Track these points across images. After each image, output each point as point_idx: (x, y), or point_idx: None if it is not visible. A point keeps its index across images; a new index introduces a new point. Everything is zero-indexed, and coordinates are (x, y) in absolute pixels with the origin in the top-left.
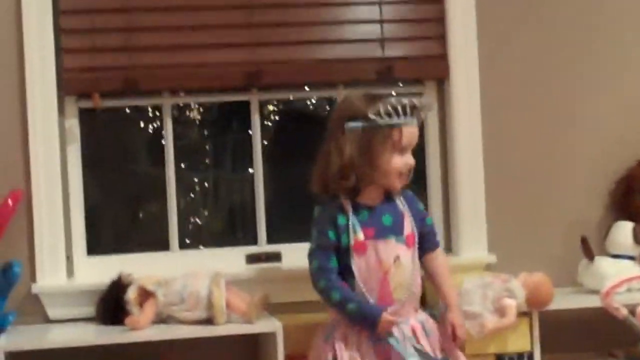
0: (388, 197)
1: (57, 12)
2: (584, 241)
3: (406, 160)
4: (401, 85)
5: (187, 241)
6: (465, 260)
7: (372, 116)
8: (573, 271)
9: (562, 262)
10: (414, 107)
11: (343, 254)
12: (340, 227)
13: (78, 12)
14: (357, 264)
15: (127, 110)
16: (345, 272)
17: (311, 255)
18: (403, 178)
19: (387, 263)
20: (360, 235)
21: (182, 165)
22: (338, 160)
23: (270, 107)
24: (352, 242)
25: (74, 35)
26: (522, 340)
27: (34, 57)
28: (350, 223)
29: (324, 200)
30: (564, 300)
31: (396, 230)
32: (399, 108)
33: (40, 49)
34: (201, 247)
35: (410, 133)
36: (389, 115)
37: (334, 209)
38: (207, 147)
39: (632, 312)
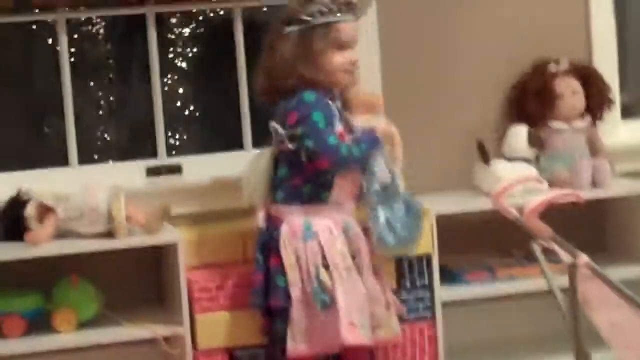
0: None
1: None
2: (480, 145)
3: (349, 57)
4: None
5: (89, 156)
6: None
7: (306, 17)
8: (470, 174)
9: (459, 166)
10: (349, 3)
11: None
12: (332, 114)
13: None
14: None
15: (34, 27)
16: None
17: (323, 137)
18: (348, 75)
19: None
20: (340, 126)
21: (82, 80)
22: (281, 63)
23: (173, 20)
24: (337, 131)
25: None
26: (422, 243)
27: None
28: (336, 112)
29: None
30: (461, 203)
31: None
32: (333, 5)
33: None
34: (101, 161)
35: (348, 28)
36: (322, 13)
37: (327, 95)
38: (109, 61)
39: (521, 212)
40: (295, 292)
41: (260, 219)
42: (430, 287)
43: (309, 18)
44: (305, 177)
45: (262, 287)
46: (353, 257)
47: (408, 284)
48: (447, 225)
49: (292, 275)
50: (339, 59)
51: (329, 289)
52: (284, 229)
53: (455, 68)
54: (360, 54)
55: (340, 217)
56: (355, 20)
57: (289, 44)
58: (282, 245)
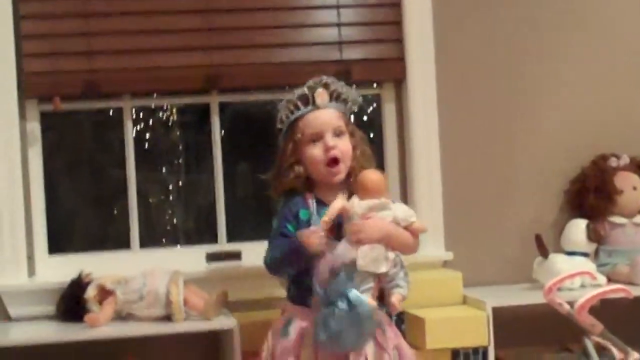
0: (352, 194)
1: (17, 18)
2: (538, 238)
3: (324, 145)
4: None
5: (153, 241)
6: (423, 258)
7: (278, 125)
8: (529, 269)
9: (518, 260)
10: (306, 96)
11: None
12: (302, 222)
13: (38, 17)
14: (318, 262)
15: (104, 115)
16: (306, 269)
17: (269, 244)
18: (333, 166)
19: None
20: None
21: (145, 166)
22: (275, 164)
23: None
24: None
25: (34, 39)
26: (477, 335)
27: None
28: (311, 219)
29: (289, 195)
30: (519, 296)
31: None
32: (294, 102)
33: (1, 53)
34: (162, 246)
35: (315, 119)
36: (287, 115)
37: (296, 203)
38: (171, 148)
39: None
40: None
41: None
42: None
43: (280, 125)
44: (291, 279)
45: None
46: None
47: None
48: (504, 319)
49: None
50: (313, 151)
51: None
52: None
53: (515, 161)
54: (421, 146)
55: None
56: (325, 107)
57: (282, 144)
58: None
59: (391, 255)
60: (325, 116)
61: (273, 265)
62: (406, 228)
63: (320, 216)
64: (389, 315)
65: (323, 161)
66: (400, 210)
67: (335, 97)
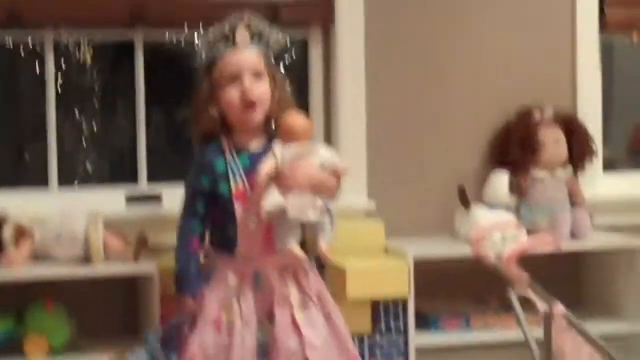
0: (272, 140)
1: None
2: (462, 190)
3: (241, 88)
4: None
5: (70, 181)
6: (345, 206)
7: (196, 62)
8: (451, 219)
9: (440, 211)
10: (234, 34)
11: (223, 201)
12: (219, 174)
13: None
14: (240, 212)
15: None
16: (227, 219)
17: (183, 197)
18: (250, 109)
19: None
20: (240, 183)
21: (64, 104)
22: (193, 104)
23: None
24: (233, 190)
25: None
26: (398, 287)
27: None
28: (228, 169)
29: (206, 143)
30: (440, 248)
31: None
32: (214, 40)
33: None
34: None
35: (234, 59)
36: (207, 50)
37: (212, 152)
38: (92, 86)
39: (500, 259)
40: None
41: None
42: (405, 332)
43: (199, 60)
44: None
45: None
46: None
47: (383, 328)
48: (425, 270)
49: None
50: (231, 93)
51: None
52: None
53: (440, 111)
54: (346, 92)
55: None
56: (247, 48)
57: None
58: None
59: (319, 202)
60: (245, 57)
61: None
62: (331, 173)
63: (239, 163)
64: (317, 263)
65: (240, 104)
66: (326, 155)
67: (257, 37)
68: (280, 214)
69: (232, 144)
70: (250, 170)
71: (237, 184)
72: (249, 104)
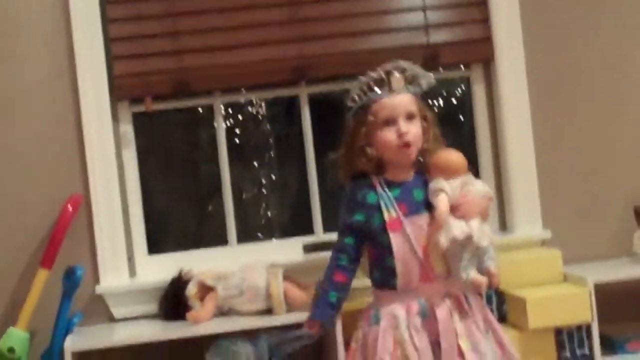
0: (420, 172)
1: (106, 21)
2: (637, 211)
3: (397, 131)
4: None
5: (250, 235)
6: (520, 237)
7: (349, 104)
8: (629, 242)
9: (617, 234)
10: (382, 80)
11: (378, 234)
12: (371, 206)
13: (126, 20)
14: (395, 242)
15: (195, 113)
16: (384, 252)
17: (338, 235)
18: (406, 149)
19: (423, 238)
20: (393, 212)
21: (237, 162)
22: (344, 145)
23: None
24: (386, 219)
25: (123, 42)
26: (580, 312)
27: (86, 66)
28: (380, 201)
29: (355, 181)
30: (620, 271)
31: (428, 204)
32: (369, 84)
33: (91, 57)
34: (258, 240)
35: (391, 103)
36: (360, 96)
37: (363, 187)
38: (263, 142)
39: None
40: None
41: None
42: (591, 358)
43: (350, 104)
44: (371, 264)
45: None
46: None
47: (568, 354)
48: (606, 294)
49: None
50: (386, 135)
51: None
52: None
53: (609, 134)
54: (511, 127)
55: (414, 301)
56: (400, 92)
57: (350, 126)
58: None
59: (488, 228)
60: (400, 101)
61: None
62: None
63: (391, 195)
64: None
65: (396, 145)
66: (479, 184)
67: (409, 81)
68: (464, 242)
69: (382, 179)
70: (402, 198)
71: (390, 214)
72: (404, 144)
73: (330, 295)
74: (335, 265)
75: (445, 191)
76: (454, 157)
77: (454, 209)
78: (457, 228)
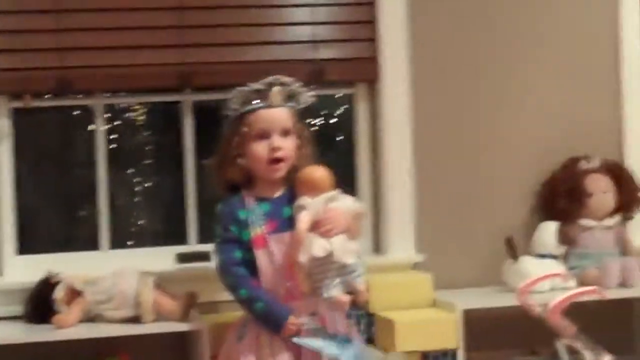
0: (291, 189)
1: None
2: (509, 241)
3: (270, 145)
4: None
5: (122, 242)
6: (393, 259)
7: (227, 112)
8: (499, 271)
9: (488, 261)
10: (264, 91)
11: (247, 249)
12: (241, 222)
13: (7, 13)
14: (260, 259)
15: (75, 113)
16: (251, 268)
17: (216, 251)
18: (275, 164)
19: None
20: (259, 230)
21: (114, 166)
22: (218, 153)
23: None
24: (252, 236)
25: (3, 35)
26: (447, 338)
27: None
28: (249, 217)
29: (227, 196)
30: (490, 299)
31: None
32: (248, 95)
33: None
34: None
35: (267, 116)
36: (240, 104)
37: (234, 203)
38: (141, 147)
39: (546, 309)
40: None
41: None
42: None
43: (228, 112)
44: None
45: None
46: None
47: None
48: (474, 321)
49: None
50: (259, 148)
51: None
52: None
53: (486, 163)
54: (391, 148)
55: None
56: (278, 106)
57: (225, 135)
58: None
59: (354, 245)
60: (277, 115)
61: (233, 294)
62: (354, 217)
63: (261, 211)
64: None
65: (266, 160)
66: (348, 200)
67: (289, 96)
68: (324, 259)
69: (252, 194)
70: (272, 215)
71: (256, 231)
72: (275, 160)
73: (265, 294)
74: (241, 276)
75: (306, 208)
76: (318, 173)
77: (316, 226)
78: (317, 245)
